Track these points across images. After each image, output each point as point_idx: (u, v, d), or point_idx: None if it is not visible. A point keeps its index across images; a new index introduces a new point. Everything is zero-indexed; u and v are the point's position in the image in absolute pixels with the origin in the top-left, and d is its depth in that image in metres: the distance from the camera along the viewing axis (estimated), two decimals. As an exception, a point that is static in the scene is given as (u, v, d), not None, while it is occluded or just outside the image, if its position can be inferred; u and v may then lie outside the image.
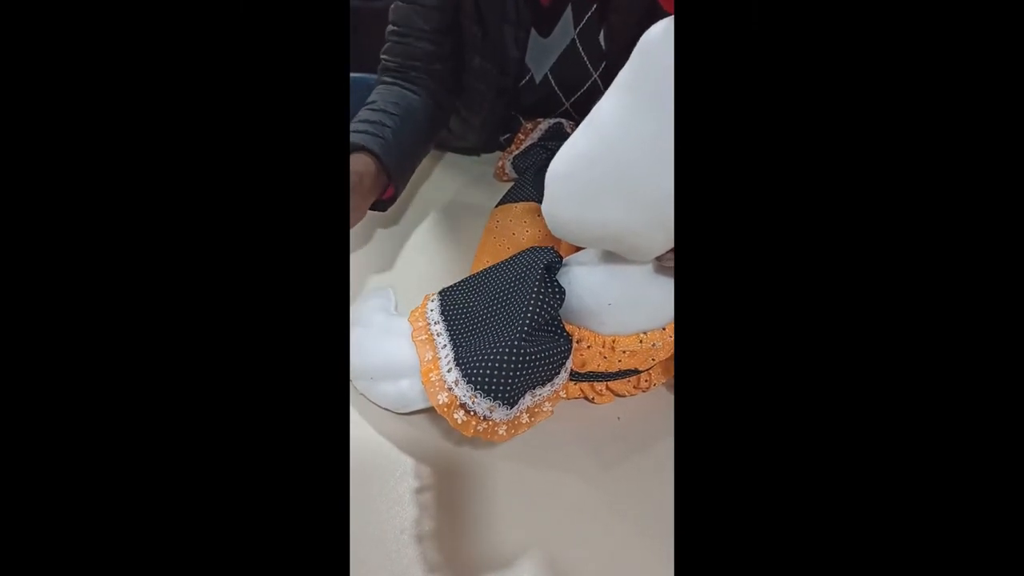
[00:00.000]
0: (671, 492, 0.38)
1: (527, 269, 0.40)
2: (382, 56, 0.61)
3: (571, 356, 0.40)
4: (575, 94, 0.65)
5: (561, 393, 0.40)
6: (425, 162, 0.69)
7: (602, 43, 0.61)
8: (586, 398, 0.47)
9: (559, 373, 0.39)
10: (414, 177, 0.66)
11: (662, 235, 0.35)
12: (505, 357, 0.35)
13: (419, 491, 0.39)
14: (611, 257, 0.39)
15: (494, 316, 0.40)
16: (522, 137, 0.68)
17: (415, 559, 0.35)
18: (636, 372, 0.45)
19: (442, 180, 0.68)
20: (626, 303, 0.40)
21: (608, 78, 0.66)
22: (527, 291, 0.38)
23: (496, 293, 0.41)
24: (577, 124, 0.63)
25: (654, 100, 0.30)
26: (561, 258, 0.41)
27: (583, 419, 0.45)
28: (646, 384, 0.47)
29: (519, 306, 0.37)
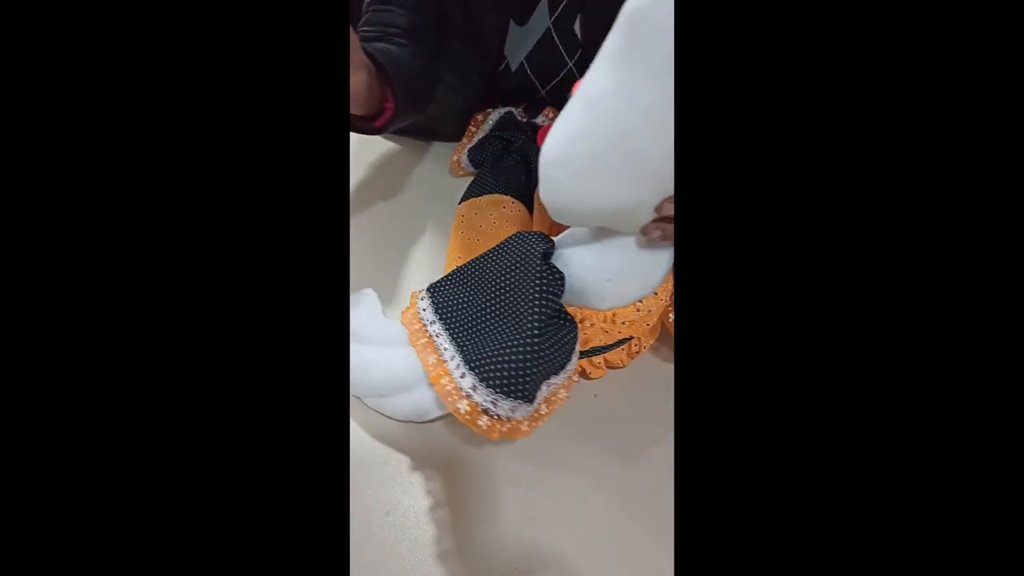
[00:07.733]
0: (671, 483, 0.39)
1: (523, 258, 0.39)
2: (360, 30, 0.56)
3: (579, 339, 0.40)
4: (551, 82, 0.65)
5: (574, 377, 0.40)
6: (377, 153, 0.65)
7: (577, 32, 0.60)
8: (583, 374, 0.47)
9: (570, 359, 0.39)
10: (379, 171, 0.62)
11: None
12: (522, 356, 0.35)
13: (405, 474, 0.39)
14: (602, 232, 0.39)
15: (494, 310, 0.39)
16: (473, 129, 0.66)
17: (400, 540, 0.36)
18: (631, 338, 0.46)
19: (400, 173, 0.65)
20: (624, 275, 0.40)
21: (583, 66, 0.66)
22: (529, 282, 0.37)
23: (492, 285, 0.40)
24: (556, 109, 0.61)
25: (648, 67, 0.29)
26: (553, 243, 0.40)
27: (576, 404, 0.45)
28: (636, 349, 0.49)
29: (523, 298, 0.37)
